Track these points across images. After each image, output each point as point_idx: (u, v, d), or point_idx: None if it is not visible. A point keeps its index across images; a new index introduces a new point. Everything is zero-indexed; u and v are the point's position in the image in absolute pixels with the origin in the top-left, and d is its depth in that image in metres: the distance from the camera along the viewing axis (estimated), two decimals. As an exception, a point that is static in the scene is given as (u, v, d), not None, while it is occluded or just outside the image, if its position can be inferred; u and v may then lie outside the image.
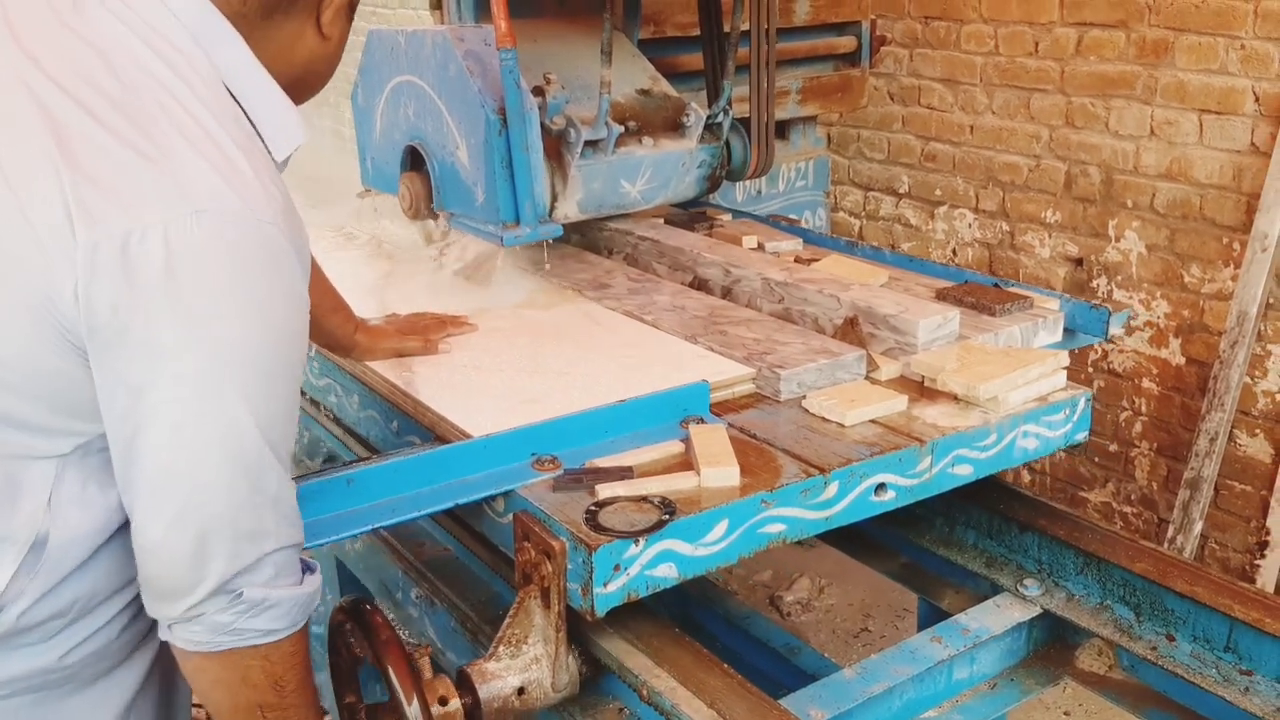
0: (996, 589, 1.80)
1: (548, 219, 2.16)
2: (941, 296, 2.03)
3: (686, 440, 1.56)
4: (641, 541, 1.34)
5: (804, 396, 1.72)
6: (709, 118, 2.41)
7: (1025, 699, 1.73)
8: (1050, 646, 1.76)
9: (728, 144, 2.47)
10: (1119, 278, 3.46)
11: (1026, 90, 3.60)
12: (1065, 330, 2.01)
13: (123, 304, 1.09)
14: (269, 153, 1.24)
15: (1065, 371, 1.76)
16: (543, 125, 2.10)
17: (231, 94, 1.22)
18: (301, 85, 1.33)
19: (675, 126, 2.42)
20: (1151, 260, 3.37)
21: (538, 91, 2.13)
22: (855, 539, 2.08)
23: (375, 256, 2.55)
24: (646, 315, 2.05)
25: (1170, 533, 3.21)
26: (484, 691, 1.41)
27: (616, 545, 1.33)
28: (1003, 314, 1.96)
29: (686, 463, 1.52)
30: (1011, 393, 1.67)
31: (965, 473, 1.65)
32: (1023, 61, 3.59)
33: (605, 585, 1.33)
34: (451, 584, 1.81)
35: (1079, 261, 3.56)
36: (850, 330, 1.91)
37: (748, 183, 3.26)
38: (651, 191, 2.38)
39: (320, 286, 1.84)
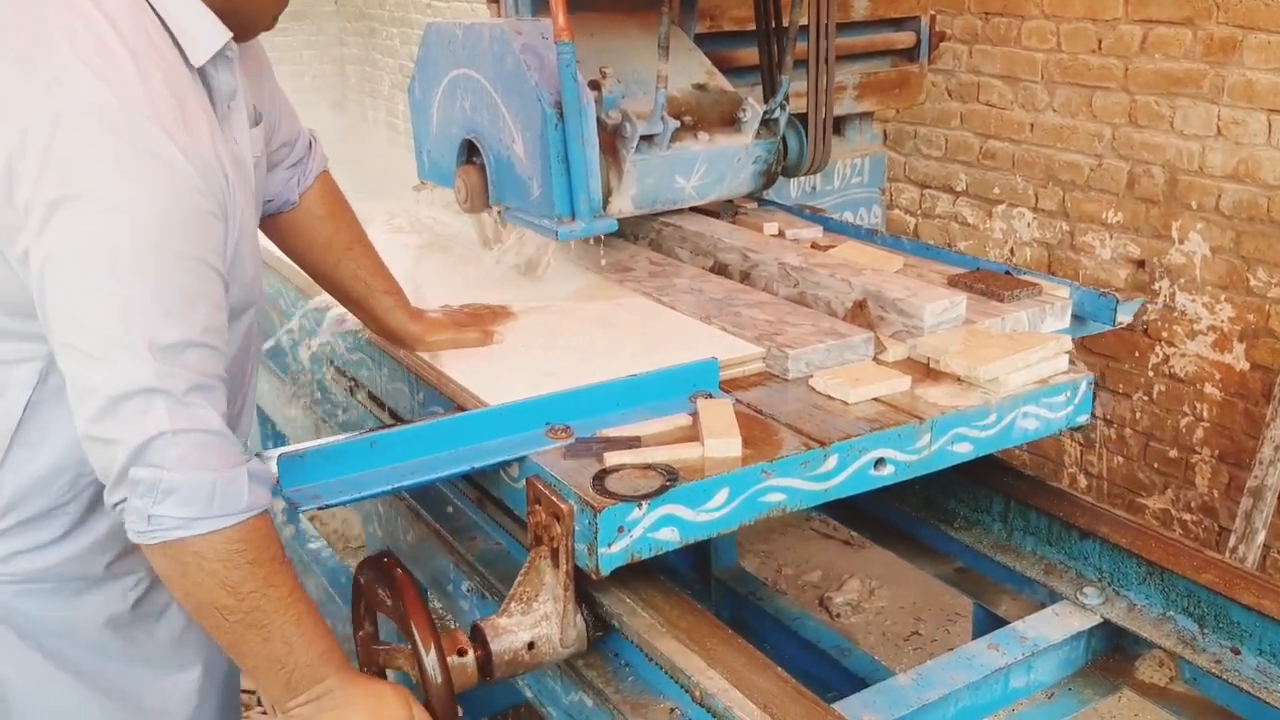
0: (1055, 596, 1.77)
1: (602, 213, 2.15)
2: (953, 283, 2.06)
3: (694, 414, 1.62)
4: (644, 505, 1.41)
5: (811, 376, 1.76)
6: (765, 113, 2.38)
7: (1083, 709, 1.70)
8: (1109, 656, 1.73)
9: (784, 139, 2.45)
10: (1182, 280, 3.39)
11: (1089, 88, 3.53)
12: (1075, 317, 2.03)
13: (11, 201, 1.22)
14: (184, 59, 1.34)
15: (1068, 355, 1.79)
16: (598, 119, 2.09)
17: (153, 8, 1.33)
18: (234, 11, 1.41)
19: (731, 121, 2.40)
20: (1216, 263, 3.29)
21: (593, 85, 2.12)
22: (909, 541, 2.06)
23: (429, 248, 2.56)
24: (665, 297, 2.10)
25: (1232, 542, 3.14)
26: (496, 645, 1.48)
27: (621, 508, 1.39)
28: (1011, 300, 1.98)
29: (693, 435, 1.56)
30: (1012, 375, 1.71)
31: (965, 450, 1.69)
32: (1085, 59, 3.52)
33: (610, 546, 1.40)
34: (503, 578, 1.81)
35: (1141, 263, 3.49)
36: (859, 313, 1.95)
37: (802, 179, 3.22)
38: (706, 187, 2.36)
39: (375, 269, 1.91)
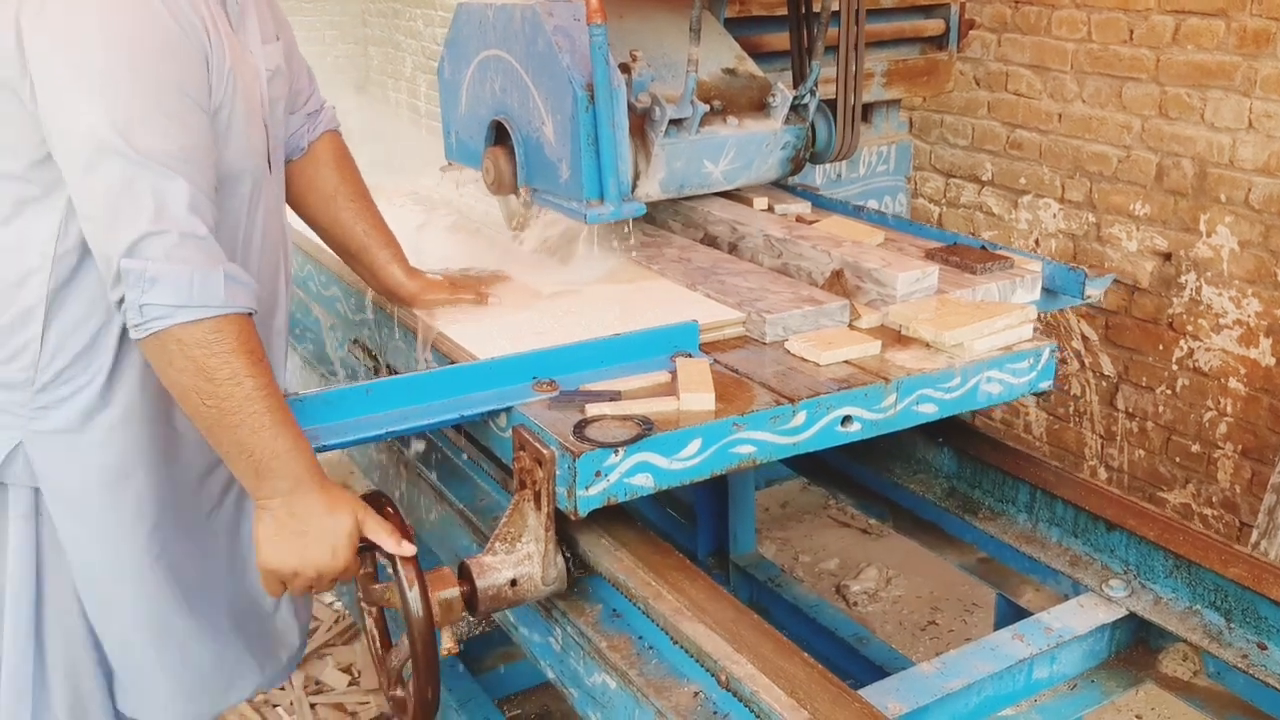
0: (1079, 588, 1.76)
1: (630, 197, 2.15)
2: (930, 256, 2.14)
3: (673, 372, 1.72)
4: (621, 452, 1.51)
5: (787, 340, 1.86)
6: (795, 99, 2.37)
7: (1106, 701, 1.69)
8: (1133, 649, 1.73)
9: (812, 126, 2.43)
10: (1209, 274, 3.36)
11: (1119, 79, 3.50)
12: (1047, 291, 2.12)
13: (12, 42, 1.42)
14: None
15: (1032, 324, 1.89)
16: (628, 103, 2.08)
17: None
18: None
19: (760, 107, 2.39)
20: (1244, 257, 3.27)
21: (623, 68, 2.11)
22: (933, 530, 2.06)
23: (454, 229, 2.56)
24: (654, 265, 2.19)
25: (1254, 537, 3.12)
26: (481, 582, 1.58)
27: (598, 454, 1.50)
28: (983, 272, 2.07)
29: (671, 390, 1.67)
30: (977, 341, 1.81)
31: (929, 411, 1.78)
32: (1116, 49, 3.49)
33: (587, 489, 1.50)
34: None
35: (1168, 256, 3.47)
36: (836, 282, 2.04)
37: (828, 166, 3.21)
38: (734, 172, 2.35)
39: (375, 224, 2.03)
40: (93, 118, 1.42)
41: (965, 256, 2.11)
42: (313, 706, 2.98)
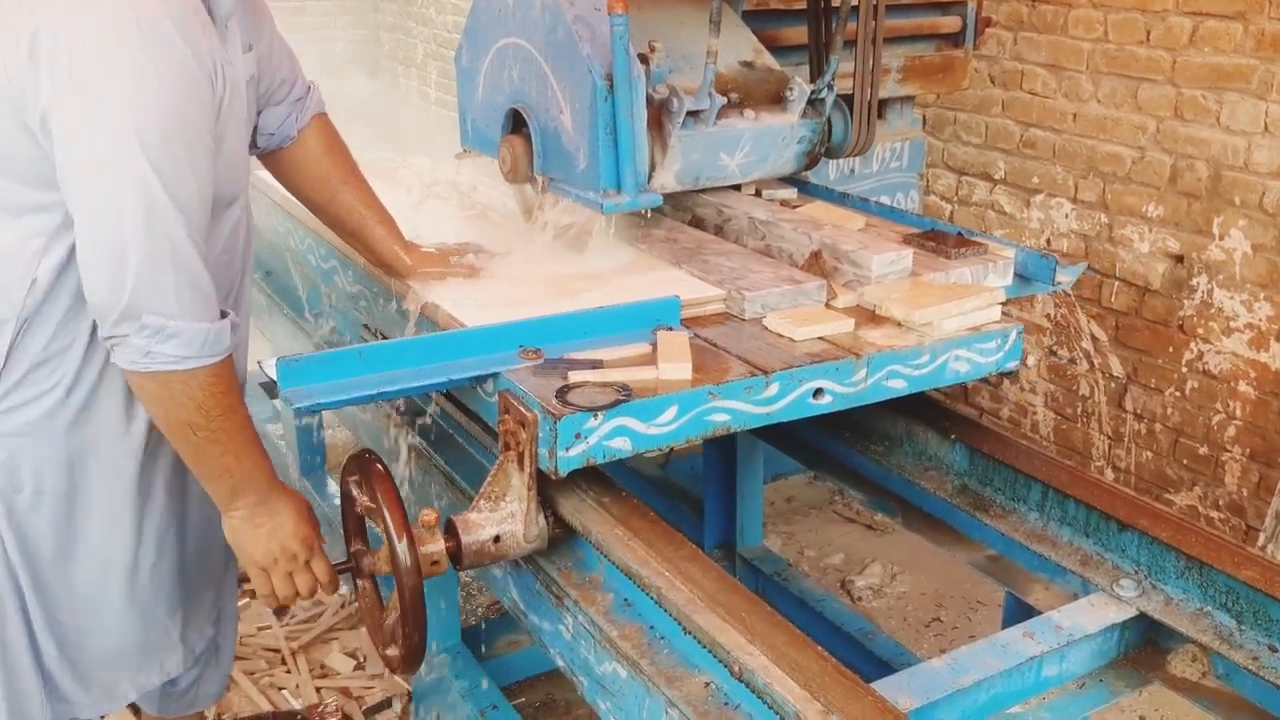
0: (1088, 587, 1.77)
1: (647, 188, 2.15)
2: (906, 241, 2.19)
3: (654, 344, 1.79)
4: (600, 416, 1.58)
5: (765, 316, 1.93)
6: (812, 93, 2.37)
7: (1113, 701, 1.69)
8: (1142, 649, 1.73)
9: (829, 120, 2.43)
10: (1220, 277, 3.36)
11: (1135, 79, 3.49)
12: (1020, 278, 2.18)
13: (42, 88, 1.46)
14: None
15: (1000, 307, 1.95)
16: (645, 94, 2.08)
17: None
18: None
19: (777, 100, 2.38)
20: (1256, 260, 3.26)
21: (642, 59, 2.11)
22: (942, 527, 2.06)
23: (469, 218, 2.56)
24: (642, 245, 2.26)
25: (1260, 540, 3.12)
26: (466, 537, 1.66)
27: (578, 417, 1.57)
28: (957, 257, 2.13)
29: (651, 360, 1.74)
30: (946, 320, 1.88)
31: (899, 386, 1.84)
32: (1132, 50, 3.48)
33: (568, 450, 1.58)
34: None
35: (1180, 258, 3.46)
36: (815, 262, 2.11)
37: (841, 161, 3.21)
38: (749, 165, 2.35)
39: (369, 201, 2.12)
40: (145, 173, 1.49)
41: (941, 241, 2.17)
42: (318, 690, 2.99)
